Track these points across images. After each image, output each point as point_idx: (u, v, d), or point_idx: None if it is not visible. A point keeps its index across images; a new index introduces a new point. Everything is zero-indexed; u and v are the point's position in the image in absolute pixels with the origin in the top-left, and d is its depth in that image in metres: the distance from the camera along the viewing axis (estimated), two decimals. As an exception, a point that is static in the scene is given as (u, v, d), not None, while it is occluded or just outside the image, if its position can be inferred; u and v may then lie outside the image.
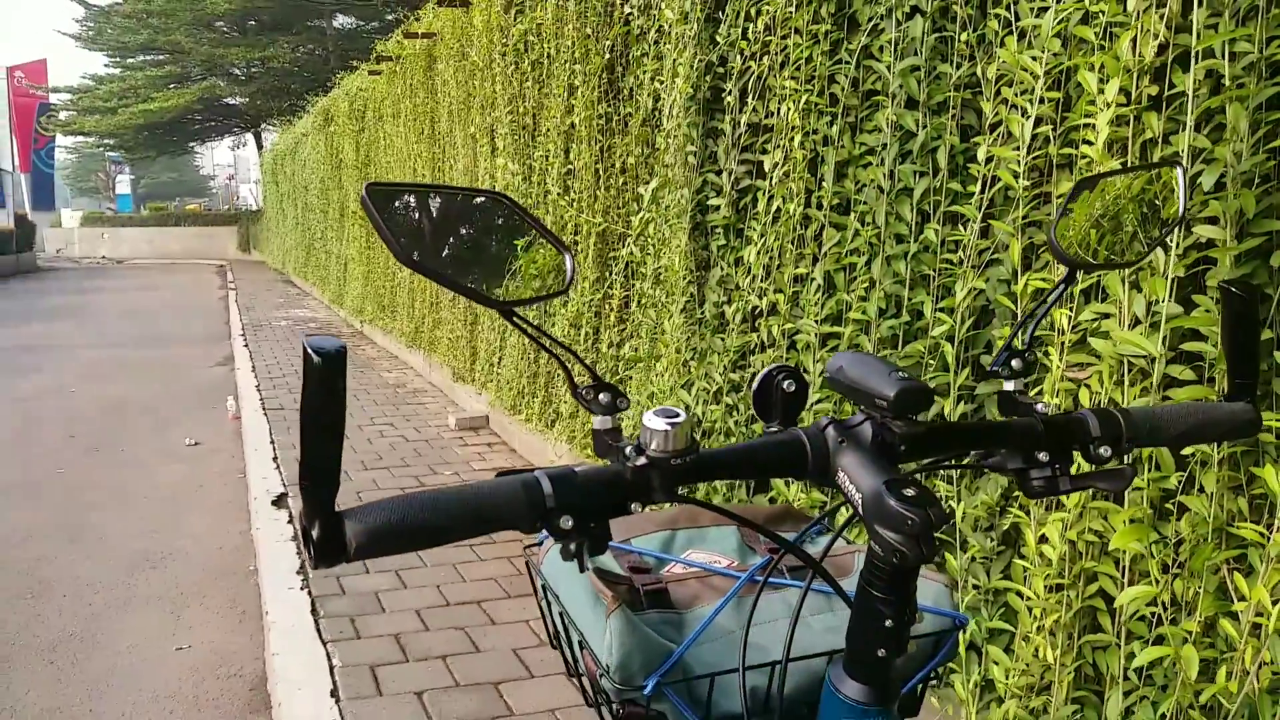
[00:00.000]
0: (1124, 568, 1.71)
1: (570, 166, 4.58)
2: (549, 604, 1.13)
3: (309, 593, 3.73)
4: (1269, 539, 1.47)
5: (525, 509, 0.73)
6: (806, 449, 0.82)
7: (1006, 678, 1.91)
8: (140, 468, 5.79)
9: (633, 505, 0.77)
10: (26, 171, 28.40)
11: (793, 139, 2.67)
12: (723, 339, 2.97)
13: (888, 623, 0.80)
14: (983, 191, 2.10)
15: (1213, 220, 1.56)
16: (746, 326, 2.89)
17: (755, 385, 0.88)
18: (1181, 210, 0.97)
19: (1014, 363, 0.94)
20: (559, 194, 4.67)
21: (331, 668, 3.11)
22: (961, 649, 2.04)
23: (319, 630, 3.40)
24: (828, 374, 0.88)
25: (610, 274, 4.26)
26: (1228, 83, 1.54)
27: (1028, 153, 1.94)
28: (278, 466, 5.57)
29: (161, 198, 47.17)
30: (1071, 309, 1.83)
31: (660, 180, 3.37)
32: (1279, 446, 1.51)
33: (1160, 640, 1.60)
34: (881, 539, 0.74)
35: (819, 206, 2.63)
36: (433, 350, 7.74)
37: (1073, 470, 0.92)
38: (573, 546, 0.74)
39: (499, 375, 5.84)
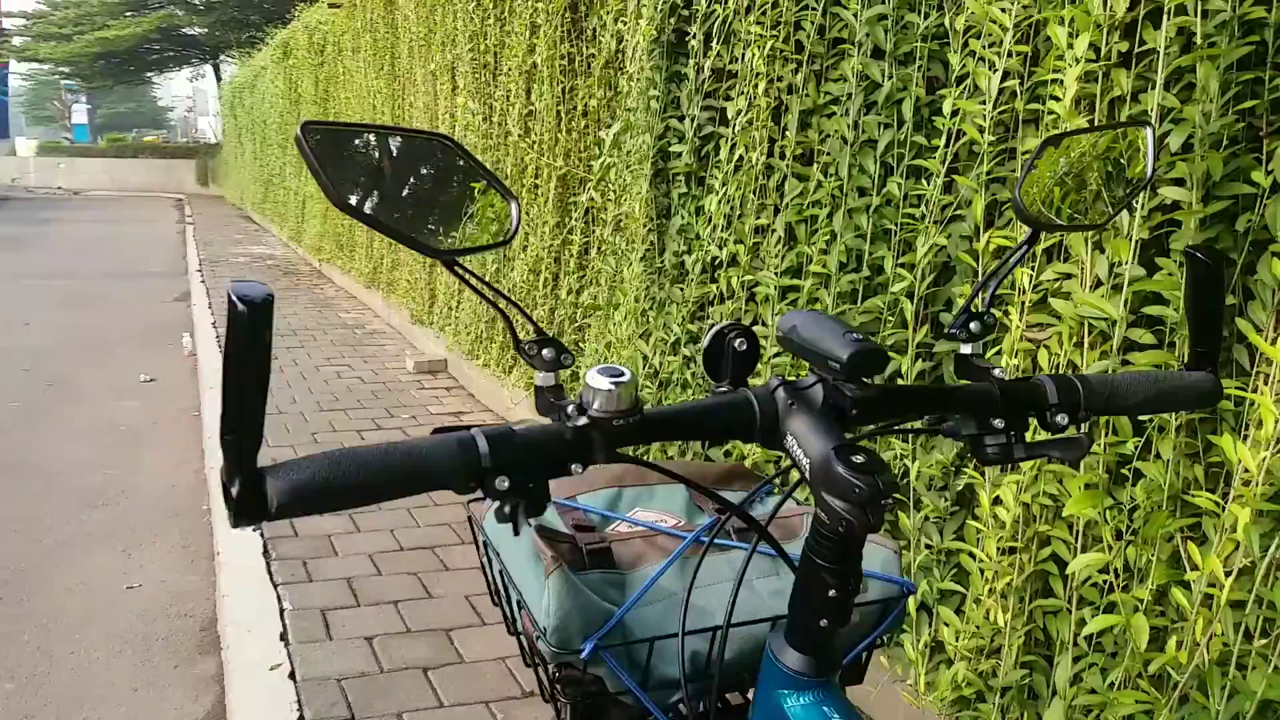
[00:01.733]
0: (1077, 532, 1.70)
1: (531, 108, 4.47)
2: (489, 561, 1.10)
3: (261, 534, 3.68)
4: (1223, 509, 1.46)
5: (460, 468, 0.70)
6: (755, 410, 0.78)
7: (956, 640, 1.91)
8: (95, 403, 5.67)
9: (573, 466, 0.73)
10: (-20, 98, 27.51)
11: (757, 86, 2.60)
12: (682, 289, 2.93)
13: (831, 592, 0.77)
14: (947, 146, 2.06)
15: (1179, 182, 1.53)
16: (706, 277, 2.84)
17: (706, 342, 0.84)
18: (1149, 172, 0.93)
19: (972, 325, 0.91)
20: (519, 136, 4.57)
21: (282, 610, 3.08)
22: (912, 610, 2.04)
23: (270, 573, 3.36)
24: (780, 332, 0.84)
25: (571, 219, 4.18)
26: (1199, 41, 1.50)
27: (994, 107, 1.90)
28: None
29: (120, 129, 45.93)
30: (1033, 269, 1.80)
31: (622, 124, 3.29)
32: (1236, 415, 1.50)
33: (1111, 608, 1.60)
34: (828, 506, 0.71)
35: (781, 156, 2.57)
36: (391, 291, 7.64)
37: (1028, 437, 0.90)
38: (507, 508, 0.71)
39: (457, 319, 5.77)
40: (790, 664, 0.80)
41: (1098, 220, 0.95)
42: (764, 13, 2.58)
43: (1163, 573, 1.56)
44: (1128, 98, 1.61)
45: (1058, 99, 1.68)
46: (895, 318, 2.19)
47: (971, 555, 1.91)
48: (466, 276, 0.76)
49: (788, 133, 2.55)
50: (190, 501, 4.25)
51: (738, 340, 0.83)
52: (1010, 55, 1.85)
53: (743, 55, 2.68)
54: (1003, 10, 1.85)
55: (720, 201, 2.75)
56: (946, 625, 1.95)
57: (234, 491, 0.63)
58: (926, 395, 0.92)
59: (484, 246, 0.84)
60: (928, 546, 2.08)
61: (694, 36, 2.90)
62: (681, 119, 2.97)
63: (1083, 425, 0.90)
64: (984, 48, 1.91)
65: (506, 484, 0.70)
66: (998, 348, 1.88)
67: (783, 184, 2.58)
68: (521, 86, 4.57)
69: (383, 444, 0.69)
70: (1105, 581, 1.67)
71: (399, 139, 0.81)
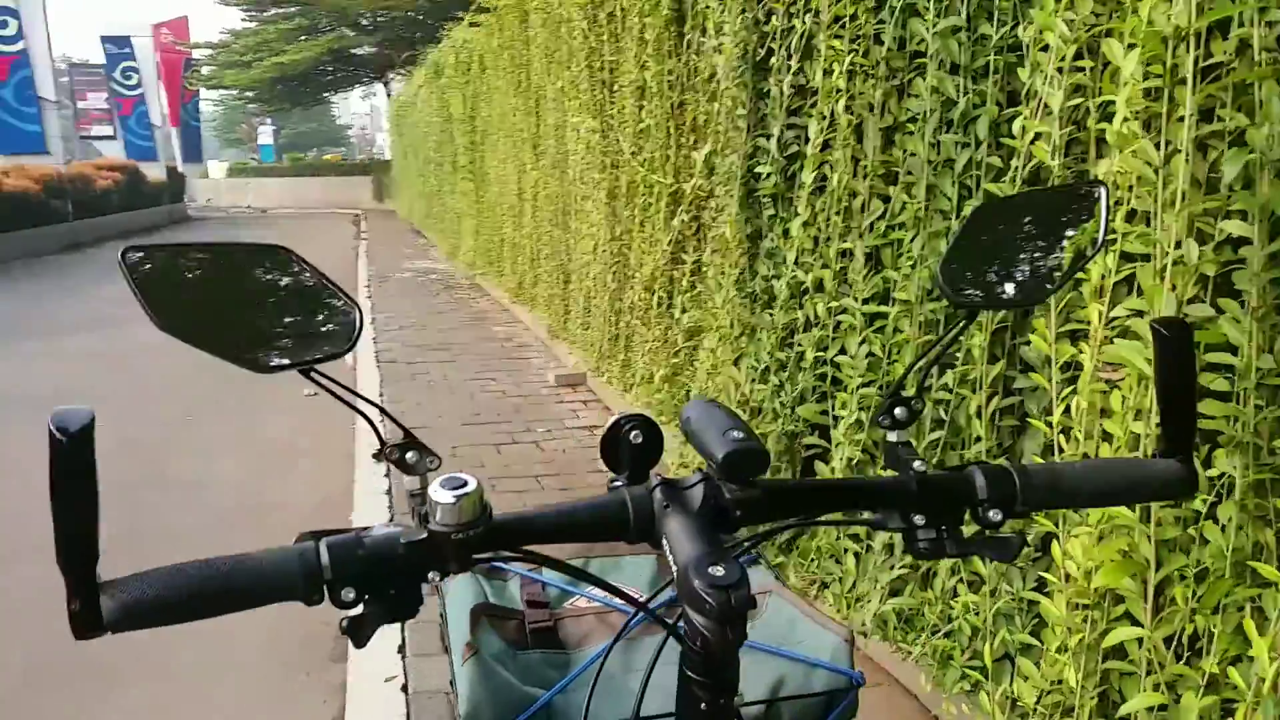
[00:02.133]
0: (1148, 593, 1.56)
1: (643, 124, 4.47)
2: (443, 621, 1.08)
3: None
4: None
5: (300, 581, 0.69)
6: (628, 512, 0.75)
7: (1035, 697, 1.78)
8: (261, 416, 6.02)
9: (430, 574, 0.72)
10: (176, 125, 29.75)
11: (837, 103, 2.51)
12: (770, 315, 2.86)
13: (702, 706, 0.72)
14: (1022, 168, 1.92)
15: (1241, 215, 1.37)
16: (794, 303, 2.77)
17: (603, 433, 0.81)
18: (1100, 239, 0.84)
19: (897, 411, 0.84)
20: (632, 153, 4.57)
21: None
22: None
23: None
24: (680, 422, 0.81)
25: (684, 237, 4.15)
26: (1259, 55, 1.33)
27: (1061, 127, 1.76)
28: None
29: (302, 148, 48.97)
30: (1104, 303, 1.66)
31: (712, 145, 3.24)
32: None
33: (1174, 680, 1.45)
34: (688, 619, 0.67)
35: (865, 176, 2.47)
36: (534, 305, 7.81)
37: (966, 531, 0.83)
38: (343, 623, 0.69)
39: (586, 334, 5.84)
40: None
41: (1037, 296, 0.86)
42: (842, 26, 2.49)
43: (1227, 644, 1.40)
44: (1188, 116, 1.45)
45: (1112, 119, 1.53)
46: (963, 355, 2.06)
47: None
48: (321, 380, 0.76)
49: (869, 152, 2.45)
50: (339, 513, 4.44)
51: (633, 433, 0.79)
52: (1075, 70, 1.71)
53: (822, 71, 2.59)
54: (1067, 22, 1.71)
55: (804, 224, 2.67)
56: (1025, 679, 1.82)
57: (72, 608, 0.65)
58: (832, 490, 0.85)
59: (318, 359, 0.80)
60: (1008, 592, 1.96)
61: (778, 53, 2.83)
62: (768, 138, 2.90)
63: (1021, 520, 0.82)
64: (1052, 62, 1.77)
65: (352, 594, 0.69)
66: (1073, 387, 1.74)
67: (866, 206, 2.48)
68: (634, 103, 4.57)
69: (226, 556, 0.69)
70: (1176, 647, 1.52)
71: (235, 254, 0.80)
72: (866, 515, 0.85)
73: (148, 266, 0.74)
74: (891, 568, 2.33)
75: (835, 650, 1.01)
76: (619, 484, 0.79)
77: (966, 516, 0.82)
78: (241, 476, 5.01)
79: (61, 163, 20.16)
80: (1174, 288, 1.50)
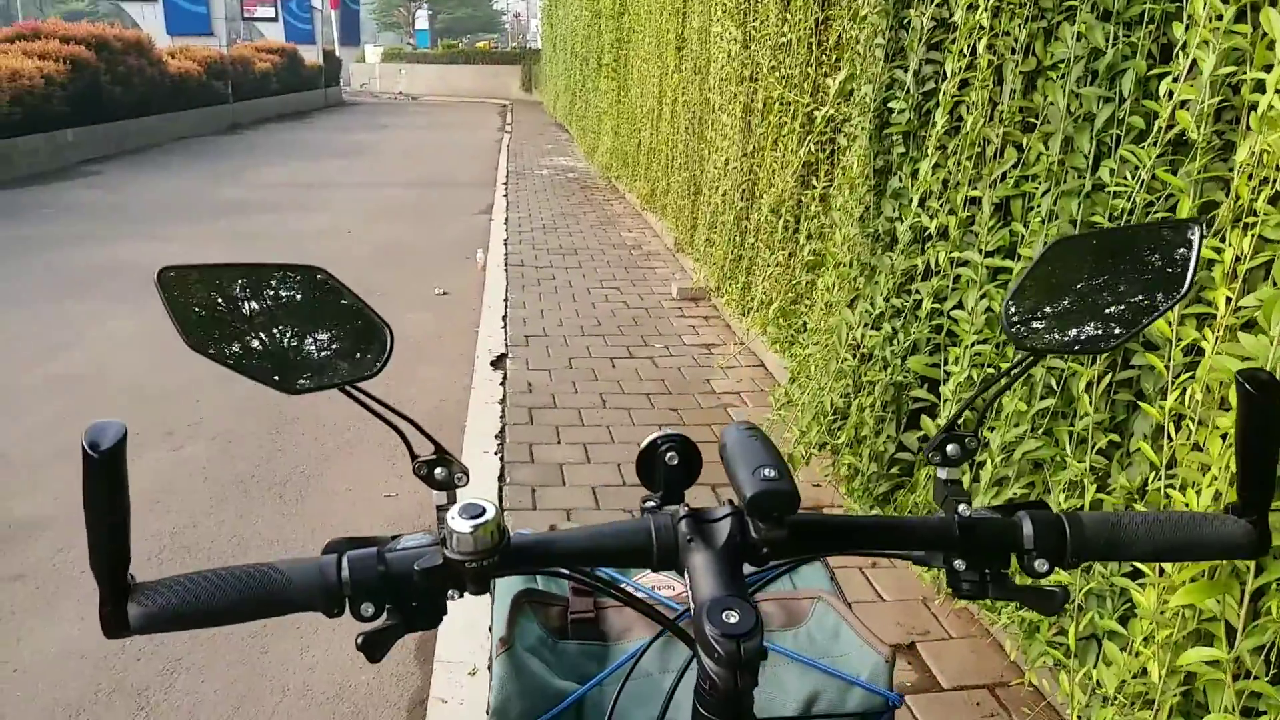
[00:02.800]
0: (1245, 595, 1.48)
1: (785, 38, 4.32)
2: (492, 601, 1.08)
3: (501, 459, 3.97)
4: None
5: (320, 595, 0.72)
6: (652, 541, 0.76)
7: (1116, 685, 1.74)
8: (390, 314, 6.17)
9: (450, 593, 0.74)
10: (335, 8, 30.30)
11: (979, 41, 2.37)
12: (891, 258, 2.77)
13: None
14: (1164, 132, 1.79)
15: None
16: (915, 249, 2.67)
17: (639, 451, 0.82)
18: (1188, 283, 0.78)
19: (949, 448, 0.82)
20: (770, 68, 4.43)
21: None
22: (1066, 651, 1.87)
23: (501, 497, 3.63)
24: (719, 445, 0.80)
25: (816, 161, 4.04)
26: None
27: (1211, 95, 1.62)
28: (505, 326, 5.86)
29: (456, 34, 49.23)
30: (1234, 289, 1.55)
31: (848, 70, 3.12)
32: None
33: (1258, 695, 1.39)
34: (700, 659, 0.68)
35: (1000, 122, 2.34)
36: (664, 214, 7.77)
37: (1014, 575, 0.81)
38: (359, 640, 0.71)
39: (710, 251, 5.79)
40: None
41: (1105, 345, 0.82)
42: (992, -44, 2.33)
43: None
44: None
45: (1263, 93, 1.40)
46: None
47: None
48: (360, 397, 0.78)
49: (1007, 96, 2.31)
50: (454, 415, 4.62)
51: (669, 454, 0.80)
52: (1230, 33, 1.56)
53: (966, 6, 2.44)
54: (1229, -24, 1.56)
55: (934, 166, 2.56)
56: (1108, 664, 1.78)
57: (103, 611, 0.69)
58: (868, 528, 0.82)
59: (356, 378, 0.81)
60: (1102, 574, 1.90)
61: (923, -19, 2.67)
62: (905, 70, 2.77)
63: (1072, 570, 0.79)
64: (1204, 21, 1.62)
65: (371, 609, 0.72)
66: (1192, 373, 1.64)
67: (1000, 153, 2.35)
68: (778, 13, 4.41)
69: (249, 566, 0.72)
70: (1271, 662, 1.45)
71: (270, 274, 0.79)
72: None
73: (182, 286, 0.76)
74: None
75: (875, 669, 0.99)
76: (652, 504, 0.80)
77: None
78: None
79: (224, 44, 20.85)
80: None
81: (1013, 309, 0.81)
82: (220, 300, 0.78)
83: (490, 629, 1.04)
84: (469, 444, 4.15)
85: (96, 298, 6.45)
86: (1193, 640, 1.58)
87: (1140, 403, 1.85)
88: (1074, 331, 0.81)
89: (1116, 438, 1.99)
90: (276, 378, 0.78)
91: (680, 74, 7.09)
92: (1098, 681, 1.82)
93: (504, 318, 6.04)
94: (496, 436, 4.21)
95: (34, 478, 3.87)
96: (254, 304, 0.79)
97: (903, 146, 2.80)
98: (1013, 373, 0.83)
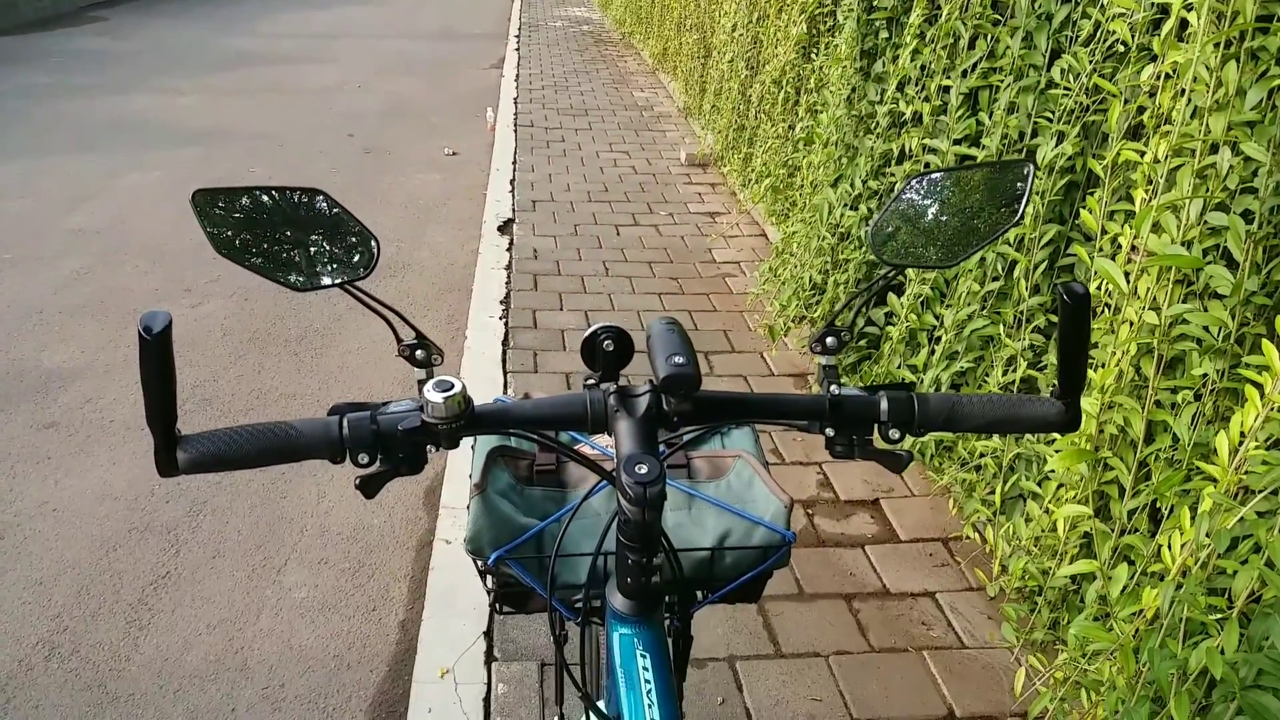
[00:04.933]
0: (1134, 461, 1.69)
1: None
2: (473, 455, 1.31)
3: (505, 323, 4.17)
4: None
5: (326, 446, 0.93)
6: (586, 410, 0.96)
7: (1033, 538, 1.98)
8: (401, 174, 6.32)
9: (428, 447, 0.95)
10: None
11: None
12: (871, 141, 2.90)
13: (630, 560, 0.97)
14: (1103, 41, 1.90)
15: None
16: (892, 133, 2.80)
17: (583, 339, 1.02)
18: (1020, 211, 0.95)
19: (828, 340, 1.02)
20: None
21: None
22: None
23: (504, 361, 3.84)
24: (646, 334, 1.00)
25: (818, 33, 4.07)
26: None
27: (1142, 9, 1.73)
28: (513, 189, 5.95)
29: None
30: (1151, 190, 1.70)
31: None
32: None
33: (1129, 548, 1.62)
34: (619, 501, 0.90)
35: (972, 14, 2.43)
36: (675, 75, 7.73)
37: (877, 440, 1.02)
38: (357, 481, 0.93)
39: (717, 118, 5.83)
40: (617, 605, 1.03)
41: (954, 259, 0.99)
42: None
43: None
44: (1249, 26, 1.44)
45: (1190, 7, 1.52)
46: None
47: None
48: (355, 293, 0.98)
49: (982, -14, 2.40)
50: (462, 279, 4.78)
51: (605, 342, 1.00)
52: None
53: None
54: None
55: (913, 53, 2.66)
56: (1026, 521, 2.02)
57: (157, 456, 0.90)
58: (760, 402, 1.01)
59: (351, 279, 0.98)
60: (1030, 441, 2.11)
61: None
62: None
63: (917, 439, 0.99)
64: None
65: (366, 459, 0.93)
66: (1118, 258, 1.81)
67: (971, 44, 2.46)
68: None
69: (272, 423, 0.93)
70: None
71: (278, 195, 0.99)
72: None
73: (210, 205, 0.96)
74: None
75: (776, 512, 1.21)
76: (591, 382, 1.00)
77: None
78: (385, 234, 5.38)
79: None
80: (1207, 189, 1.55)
81: (878, 231, 0.99)
82: (240, 216, 0.98)
83: (470, 476, 1.27)
84: (475, 309, 4.33)
85: (112, 151, 6.56)
86: (1096, 500, 1.81)
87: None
88: (928, 250, 0.99)
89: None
90: (287, 278, 0.97)
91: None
92: (1015, 534, 2.07)
93: (512, 181, 6.12)
94: (501, 302, 4.38)
95: (62, 331, 4.10)
96: (267, 219, 0.99)
97: (887, 31, 2.88)
98: (876, 285, 1.02)
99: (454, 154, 6.88)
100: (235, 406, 3.55)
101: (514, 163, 6.50)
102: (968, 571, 2.67)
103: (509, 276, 4.69)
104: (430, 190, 6.04)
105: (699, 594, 1.24)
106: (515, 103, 8.15)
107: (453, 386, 0.94)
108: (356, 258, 1.01)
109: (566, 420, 0.98)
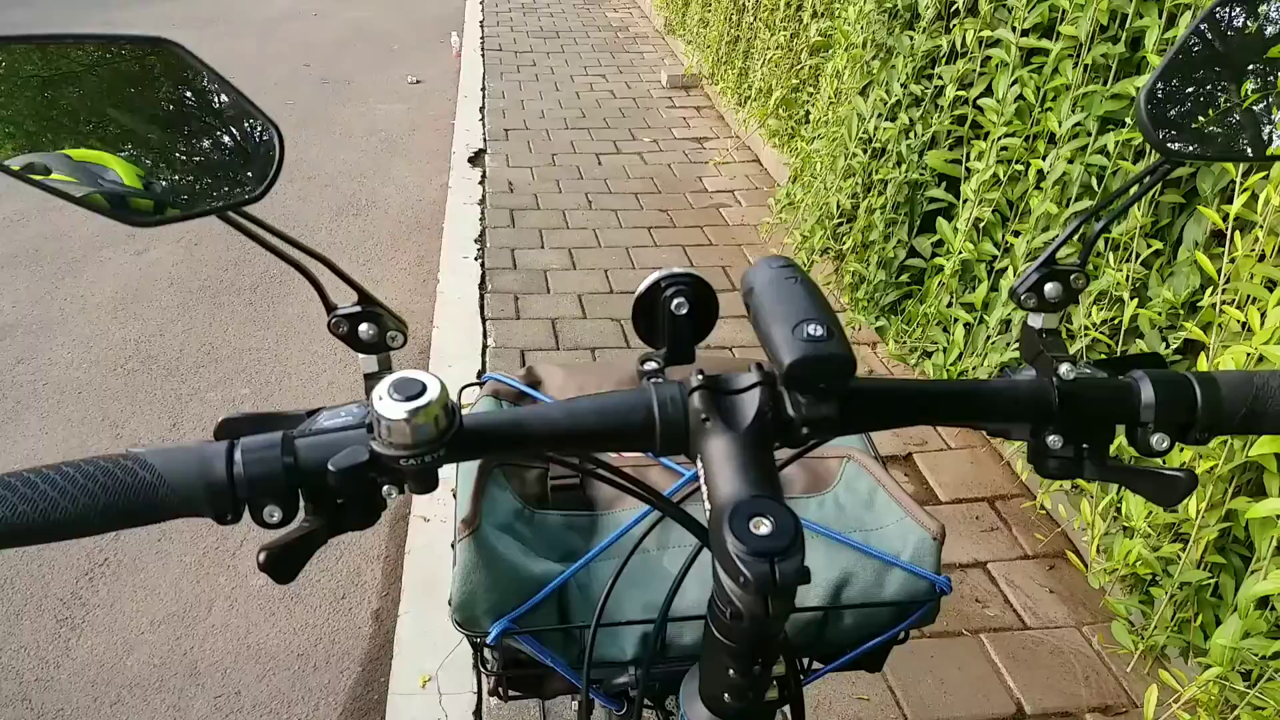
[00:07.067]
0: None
1: None
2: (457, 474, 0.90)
3: (482, 264, 3.77)
4: None
5: (205, 497, 0.51)
6: (655, 419, 0.55)
7: (1145, 514, 1.61)
8: (362, 104, 5.87)
9: (385, 489, 0.54)
10: None
11: None
12: (911, 38, 2.46)
13: (730, 672, 0.57)
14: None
15: None
16: (939, 26, 2.37)
17: (636, 294, 0.60)
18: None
19: (1048, 287, 0.62)
20: None
21: (484, 348, 3.18)
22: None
23: (483, 307, 3.45)
24: (742, 290, 0.59)
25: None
26: None
27: None
28: (483, 117, 5.52)
29: None
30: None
31: None
32: None
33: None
34: (718, 579, 0.50)
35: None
36: (653, -8, 7.23)
37: (1113, 450, 0.62)
38: (261, 556, 0.51)
39: (704, 33, 5.37)
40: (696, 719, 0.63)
41: (1251, 150, 0.60)
42: None
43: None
44: None
45: None
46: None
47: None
48: (246, 225, 0.56)
49: None
50: (431, 216, 4.38)
51: (675, 300, 0.59)
52: None
53: None
54: None
55: (966, -70, 2.22)
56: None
57: None
58: (939, 396, 0.61)
59: (231, 203, 0.57)
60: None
61: None
62: None
63: (1196, 448, 0.60)
64: None
65: (278, 515, 0.53)
66: (1265, 174, 1.42)
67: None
68: None
69: (106, 460, 0.51)
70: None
71: (101, 51, 0.54)
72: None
73: None
74: (1007, 345, 2.12)
75: (920, 546, 0.80)
76: (653, 365, 0.59)
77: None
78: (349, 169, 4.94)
79: None
80: None
81: (1151, 105, 0.58)
82: (31, 92, 0.54)
83: (453, 492, 0.84)
84: (447, 248, 3.95)
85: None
86: (1248, 474, 1.44)
87: (1195, 204, 1.63)
88: (1230, 136, 0.59)
89: (1160, 244, 1.78)
90: (118, 209, 0.55)
91: None
92: (1122, 510, 1.71)
93: (481, 109, 5.68)
94: (476, 240, 3.99)
95: (-14, 282, 3.67)
96: (82, 95, 0.55)
97: (928, -96, 2.44)
98: (1145, 180, 0.62)
99: (418, 82, 6.41)
100: (184, 364, 3.16)
101: (483, 89, 6.04)
102: (1021, 536, 2.36)
103: (483, 212, 4.28)
104: (394, 121, 5.59)
105: (803, 661, 0.83)
106: (482, 26, 7.64)
107: (423, 390, 0.52)
108: (241, 163, 0.58)
109: (620, 435, 0.56)
